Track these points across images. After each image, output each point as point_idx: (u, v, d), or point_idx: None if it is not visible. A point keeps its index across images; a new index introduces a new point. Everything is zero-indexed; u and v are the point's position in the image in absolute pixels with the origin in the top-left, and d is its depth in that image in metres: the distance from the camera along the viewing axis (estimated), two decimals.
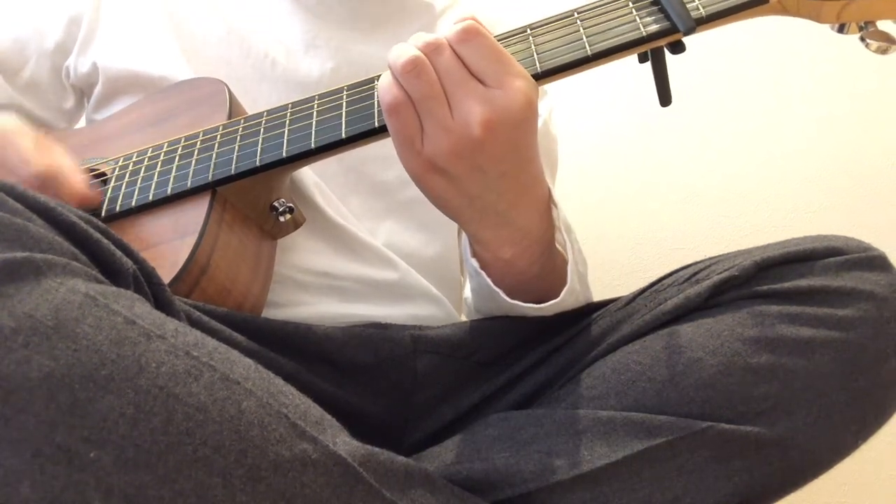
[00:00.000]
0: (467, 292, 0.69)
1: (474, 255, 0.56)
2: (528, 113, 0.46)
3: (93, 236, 0.38)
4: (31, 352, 0.30)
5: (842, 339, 0.48)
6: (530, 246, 0.53)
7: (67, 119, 0.77)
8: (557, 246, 0.56)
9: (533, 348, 0.58)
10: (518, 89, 0.46)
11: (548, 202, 0.53)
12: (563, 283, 0.55)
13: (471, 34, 0.46)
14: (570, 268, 0.55)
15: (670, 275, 0.58)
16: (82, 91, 0.75)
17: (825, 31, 0.53)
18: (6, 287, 0.31)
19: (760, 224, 1.07)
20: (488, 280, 0.56)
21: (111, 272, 0.38)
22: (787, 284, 0.51)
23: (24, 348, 0.30)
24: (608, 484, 0.47)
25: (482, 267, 0.56)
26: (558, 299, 0.55)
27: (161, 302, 0.42)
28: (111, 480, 0.30)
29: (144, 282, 0.41)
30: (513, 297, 0.56)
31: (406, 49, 0.46)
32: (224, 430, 0.33)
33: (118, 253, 0.39)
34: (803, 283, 0.50)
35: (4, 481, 0.28)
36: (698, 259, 0.58)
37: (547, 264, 0.55)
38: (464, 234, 0.57)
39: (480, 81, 0.46)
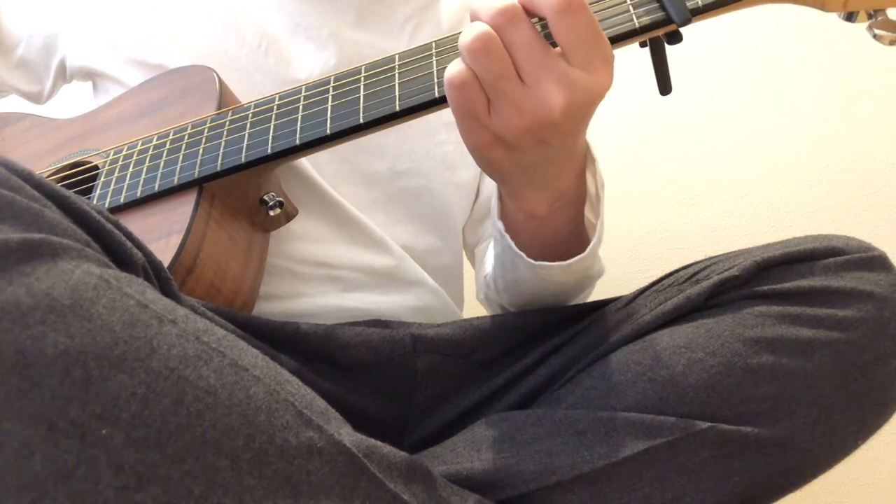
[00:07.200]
0: (488, 269, 0.68)
1: (503, 216, 0.55)
2: (604, 95, 0.45)
3: (105, 226, 0.38)
4: (47, 328, 0.30)
5: (842, 340, 0.48)
6: (564, 206, 0.52)
7: (44, 99, 0.79)
8: (588, 212, 0.54)
9: (533, 348, 0.58)
10: (604, 76, 0.44)
11: (584, 163, 0.53)
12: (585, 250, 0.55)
13: (574, 7, 0.42)
14: (599, 221, 0.54)
15: (670, 275, 0.58)
16: (76, 78, 0.75)
17: (827, 28, 0.51)
18: (24, 265, 0.31)
19: (760, 224, 1.07)
20: (511, 242, 0.55)
21: (122, 262, 0.38)
22: (787, 285, 0.51)
23: (41, 325, 0.30)
24: (608, 484, 0.47)
25: (511, 227, 0.55)
26: (585, 253, 0.54)
27: (169, 295, 0.42)
28: (122, 457, 0.30)
29: (153, 274, 0.41)
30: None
31: (474, 26, 0.42)
32: (233, 413, 0.33)
33: (129, 244, 0.39)
34: (804, 283, 0.50)
35: (19, 454, 0.28)
36: (698, 259, 0.58)
37: (576, 229, 0.55)
38: (494, 198, 0.56)
39: (564, 56, 0.43)
